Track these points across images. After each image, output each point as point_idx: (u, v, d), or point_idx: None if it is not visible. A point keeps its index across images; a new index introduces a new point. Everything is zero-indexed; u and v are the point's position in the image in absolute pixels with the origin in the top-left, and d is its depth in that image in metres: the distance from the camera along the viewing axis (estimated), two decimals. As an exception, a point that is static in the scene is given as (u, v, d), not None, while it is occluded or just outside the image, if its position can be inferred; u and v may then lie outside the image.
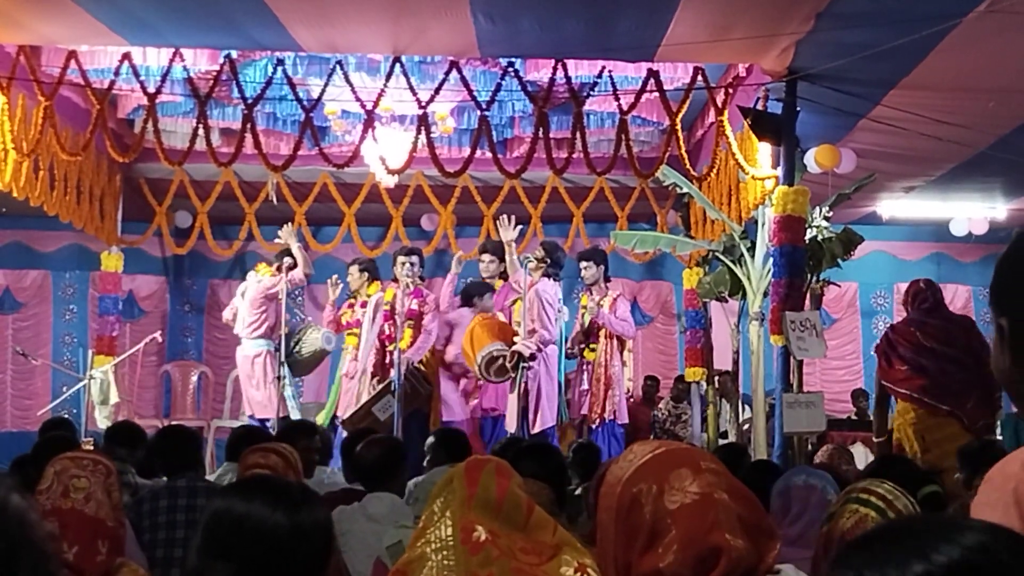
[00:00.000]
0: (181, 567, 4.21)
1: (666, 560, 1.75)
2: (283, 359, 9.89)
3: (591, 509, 3.93)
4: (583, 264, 10.50)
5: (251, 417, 10.36)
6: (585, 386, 10.25)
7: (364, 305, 10.66)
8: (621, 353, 10.49)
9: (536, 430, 9.43)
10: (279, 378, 9.93)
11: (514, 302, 9.95)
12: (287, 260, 10.39)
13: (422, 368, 9.81)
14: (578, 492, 5.67)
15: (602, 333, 10.27)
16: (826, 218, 9.84)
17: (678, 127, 9.20)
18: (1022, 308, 1.65)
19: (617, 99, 9.22)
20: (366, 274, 10.68)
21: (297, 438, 5.72)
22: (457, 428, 8.40)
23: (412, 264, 9.98)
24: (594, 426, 10.12)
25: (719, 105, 9.11)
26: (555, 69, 9.00)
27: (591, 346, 10.29)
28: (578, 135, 9.23)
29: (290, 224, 10.90)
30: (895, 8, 6.99)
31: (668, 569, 1.75)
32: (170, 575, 4.39)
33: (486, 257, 10.34)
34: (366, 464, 4.79)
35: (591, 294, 10.46)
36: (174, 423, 8.93)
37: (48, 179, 9.84)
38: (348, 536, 3.99)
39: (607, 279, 10.52)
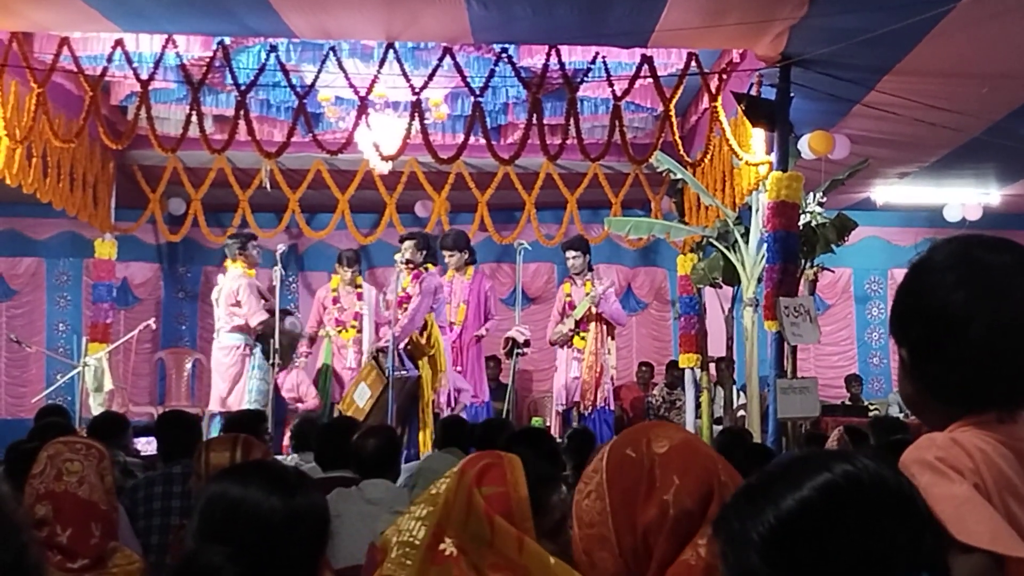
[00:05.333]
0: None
1: (669, 492, 1.77)
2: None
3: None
4: (571, 254, 10.60)
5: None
6: (576, 374, 10.31)
7: (360, 296, 10.73)
8: (608, 340, 10.61)
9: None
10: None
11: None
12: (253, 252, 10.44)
13: (409, 350, 9.77)
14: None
15: (593, 322, 10.35)
16: (820, 204, 9.85)
17: (672, 113, 9.19)
18: (919, 339, 1.72)
19: (611, 85, 9.21)
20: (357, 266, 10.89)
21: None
22: (456, 416, 8.42)
23: (406, 250, 9.99)
24: (587, 413, 10.20)
25: (713, 91, 9.11)
26: (548, 55, 8.99)
27: (581, 334, 10.35)
28: (572, 121, 9.24)
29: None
30: (889, -7, 7.00)
31: (674, 500, 1.76)
32: (164, 561, 4.38)
33: (446, 253, 10.64)
34: (363, 454, 4.82)
35: (574, 283, 10.54)
36: (174, 409, 8.92)
37: (41, 166, 9.81)
38: (344, 517, 4.00)
39: (590, 268, 10.65)
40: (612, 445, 1.89)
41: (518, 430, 5.34)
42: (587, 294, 10.43)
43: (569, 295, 10.63)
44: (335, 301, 10.80)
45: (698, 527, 1.76)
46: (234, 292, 10.04)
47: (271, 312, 10.21)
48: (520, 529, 2.10)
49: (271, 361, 9.77)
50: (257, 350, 9.96)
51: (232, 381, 9.99)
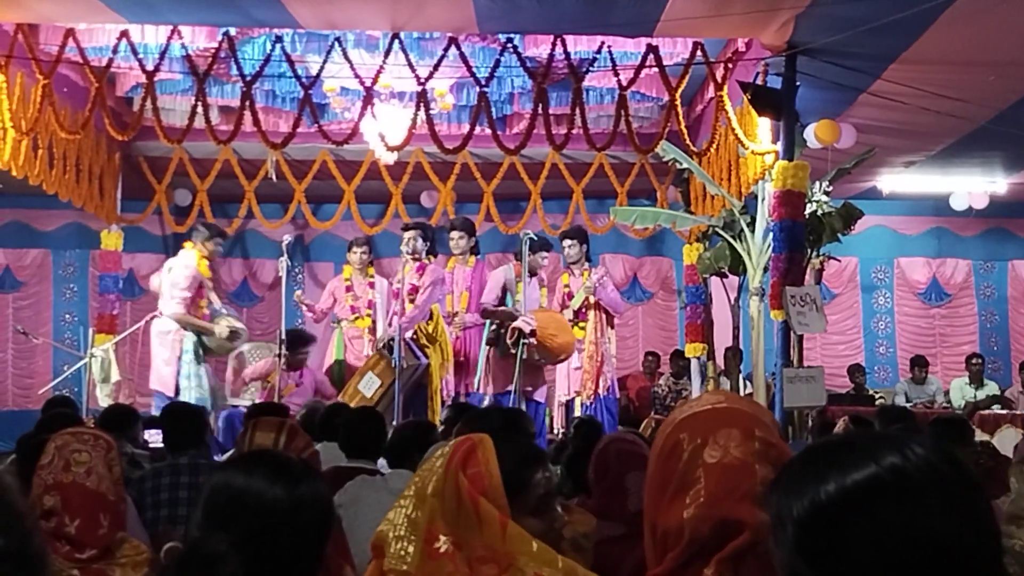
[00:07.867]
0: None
1: (689, 512, 1.72)
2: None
3: (590, 484, 3.95)
4: (568, 242, 10.53)
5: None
6: (576, 364, 10.26)
7: (373, 285, 10.74)
8: (608, 329, 10.60)
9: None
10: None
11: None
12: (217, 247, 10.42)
13: (416, 340, 9.79)
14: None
15: (592, 311, 10.32)
16: (826, 193, 9.85)
17: (677, 102, 9.18)
18: None
19: (616, 75, 9.19)
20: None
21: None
22: (467, 404, 8.41)
23: (410, 239, 10.00)
24: (588, 402, 10.16)
25: (718, 80, 9.09)
26: (554, 45, 8.97)
27: (580, 324, 10.32)
28: (577, 111, 9.22)
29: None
30: (895, -19, 6.98)
31: (690, 523, 1.71)
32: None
33: (455, 234, 10.51)
34: (394, 444, 4.86)
35: (572, 273, 10.51)
36: (178, 400, 8.92)
37: (47, 158, 9.83)
38: (362, 504, 4.01)
39: (588, 258, 10.61)
40: (680, 423, 1.81)
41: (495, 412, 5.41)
42: (585, 284, 10.40)
43: (567, 286, 10.59)
44: (348, 289, 10.79)
45: (712, 553, 1.70)
46: (180, 279, 9.98)
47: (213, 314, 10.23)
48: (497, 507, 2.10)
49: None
50: (190, 343, 9.92)
51: (165, 364, 9.95)
